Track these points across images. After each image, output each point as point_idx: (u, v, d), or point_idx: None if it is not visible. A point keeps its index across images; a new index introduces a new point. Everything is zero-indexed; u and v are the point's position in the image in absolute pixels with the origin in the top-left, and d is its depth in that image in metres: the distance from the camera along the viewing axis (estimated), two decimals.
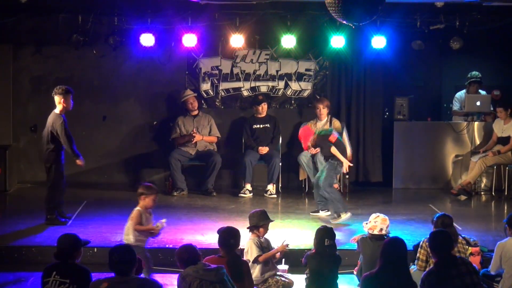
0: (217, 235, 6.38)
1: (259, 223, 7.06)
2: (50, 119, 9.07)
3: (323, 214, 9.85)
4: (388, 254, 5.76)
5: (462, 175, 11.83)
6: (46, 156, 9.08)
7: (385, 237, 6.81)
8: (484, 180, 11.75)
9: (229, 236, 6.31)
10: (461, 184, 11.28)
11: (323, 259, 6.54)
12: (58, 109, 9.08)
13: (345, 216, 9.44)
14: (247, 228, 7.13)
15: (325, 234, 6.61)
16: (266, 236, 7.21)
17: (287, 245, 7.14)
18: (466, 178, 11.39)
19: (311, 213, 9.97)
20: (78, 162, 9.17)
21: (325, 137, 9.62)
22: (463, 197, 11.10)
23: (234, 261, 6.15)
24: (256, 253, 6.94)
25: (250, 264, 6.83)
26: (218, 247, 6.39)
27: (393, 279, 5.69)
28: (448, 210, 9.90)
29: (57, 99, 9.06)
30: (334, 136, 9.61)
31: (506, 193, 11.38)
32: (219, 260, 6.08)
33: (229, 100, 12.32)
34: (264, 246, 7.06)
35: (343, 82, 12.19)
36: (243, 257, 6.85)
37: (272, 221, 7.25)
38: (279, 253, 7.11)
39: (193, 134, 11.44)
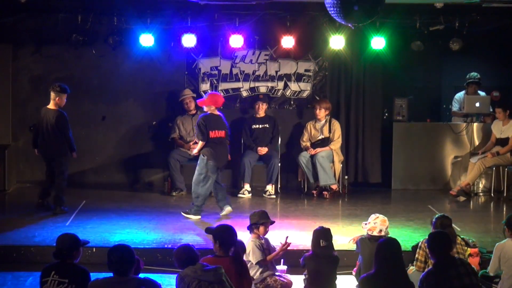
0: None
1: (260, 220, 7.06)
2: (50, 114, 9.64)
3: (224, 212, 9.70)
4: (382, 255, 5.75)
5: (461, 176, 11.84)
6: (57, 150, 9.66)
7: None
8: (483, 181, 11.75)
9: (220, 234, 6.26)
10: (460, 185, 11.28)
11: (321, 260, 6.53)
12: (52, 104, 9.65)
13: (194, 218, 9.50)
14: (247, 227, 7.13)
15: (320, 235, 6.60)
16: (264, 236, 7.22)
17: (288, 244, 7.12)
18: (465, 179, 11.39)
19: (221, 215, 9.75)
20: (74, 155, 9.87)
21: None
22: (462, 198, 11.10)
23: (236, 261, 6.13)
24: (259, 255, 6.93)
25: (251, 264, 6.86)
26: None
27: (391, 280, 5.68)
28: (447, 211, 9.89)
29: (53, 95, 9.67)
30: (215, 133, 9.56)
31: (505, 194, 11.39)
32: (216, 261, 6.04)
33: (228, 100, 12.29)
34: (264, 248, 7.06)
35: (342, 83, 12.20)
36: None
37: (273, 222, 7.23)
38: (281, 252, 7.11)
39: (192, 146, 11.41)
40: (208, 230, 6.31)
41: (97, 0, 11.04)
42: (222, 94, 12.26)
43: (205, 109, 9.63)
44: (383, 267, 5.72)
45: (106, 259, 5.32)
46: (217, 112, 9.63)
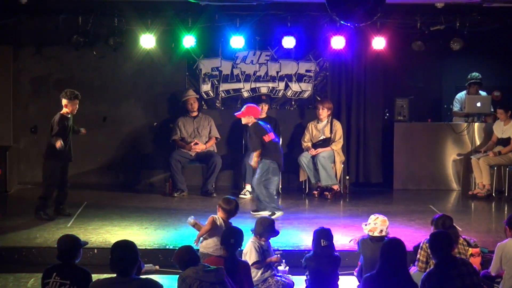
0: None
1: (263, 234, 7.04)
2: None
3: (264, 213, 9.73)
4: (387, 256, 5.75)
5: (461, 175, 11.85)
6: (43, 151, 9.51)
7: (386, 238, 6.79)
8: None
9: (229, 236, 6.30)
10: (478, 187, 11.30)
11: (322, 260, 6.53)
12: (63, 110, 9.37)
13: (278, 214, 9.52)
14: (251, 230, 7.12)
15: (321, 235, 6.59)
16: None
17: (281, 259, 7.12)
18: (480, 180, 11.32)
19: (251, 212, 9.80)
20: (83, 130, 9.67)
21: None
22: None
23: (232, 261, 6.14)
24: (255, 258, 6.92)
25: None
26: None
27: (393, 280, 5.68)
28: (448, 211, 9.89)
29: (63, 102, 9.35)
30: (269, 136, 9.64)
31: (506, 194, 11.38)
32: (217, 261, 6.06)
33: (230, 101, 12.33)
34: (264, 249, 7.05)
35: (343, 83, 12.19)
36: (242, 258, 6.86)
37: (276, 235, 7.19)
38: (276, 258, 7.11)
39: (193, 146, 11.42)
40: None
41: (97, 1, 11.04)
42: (223, 94, 12.29)
43: (244, 121, 9.72)
44: (387, 267, 5.72)
45: (108, 260, 5.29)
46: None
